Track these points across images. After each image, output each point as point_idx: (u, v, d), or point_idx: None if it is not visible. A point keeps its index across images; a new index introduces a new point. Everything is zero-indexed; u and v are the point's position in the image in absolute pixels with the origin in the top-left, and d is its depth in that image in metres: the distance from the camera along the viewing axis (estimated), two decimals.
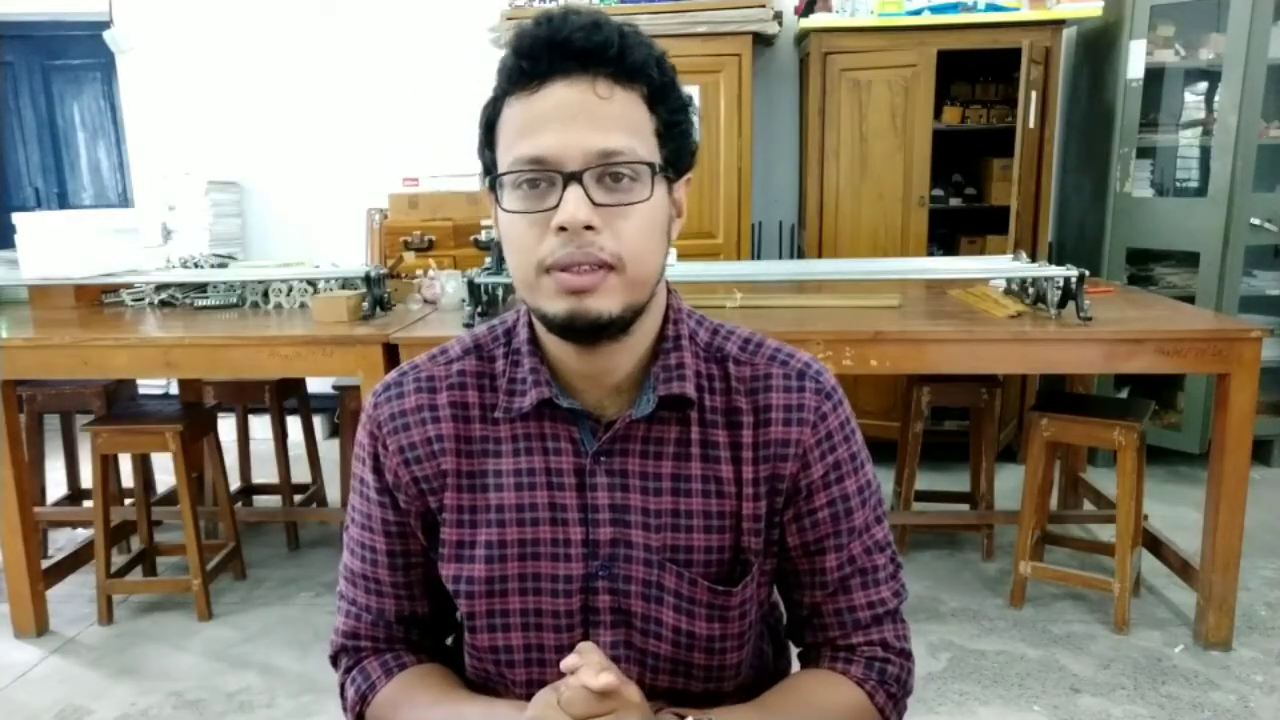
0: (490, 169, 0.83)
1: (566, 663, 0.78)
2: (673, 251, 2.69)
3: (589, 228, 0.76)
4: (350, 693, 0.95)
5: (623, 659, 0.89)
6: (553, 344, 0.86)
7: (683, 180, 0.86)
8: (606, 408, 0.88)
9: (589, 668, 0.76)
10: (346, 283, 2.71)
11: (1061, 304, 2.32)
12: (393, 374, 0.94)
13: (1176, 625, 2.48)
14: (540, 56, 0.77)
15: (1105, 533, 2.89)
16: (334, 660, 0.98)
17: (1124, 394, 3.70)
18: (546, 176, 0.77)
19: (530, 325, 0.90)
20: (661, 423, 0.88)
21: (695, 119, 0.86)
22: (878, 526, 0.93)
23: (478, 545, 0.89)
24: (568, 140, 0.76)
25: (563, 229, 0.76)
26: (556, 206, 0.77)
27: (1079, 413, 2.49)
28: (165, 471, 2.98)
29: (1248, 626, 2.44)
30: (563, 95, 0.77)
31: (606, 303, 0.79)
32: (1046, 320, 2.31)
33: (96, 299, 2.89)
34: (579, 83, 0.77)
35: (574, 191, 0.76)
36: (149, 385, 4.27)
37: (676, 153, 0.83)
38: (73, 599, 2.73)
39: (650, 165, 0.79)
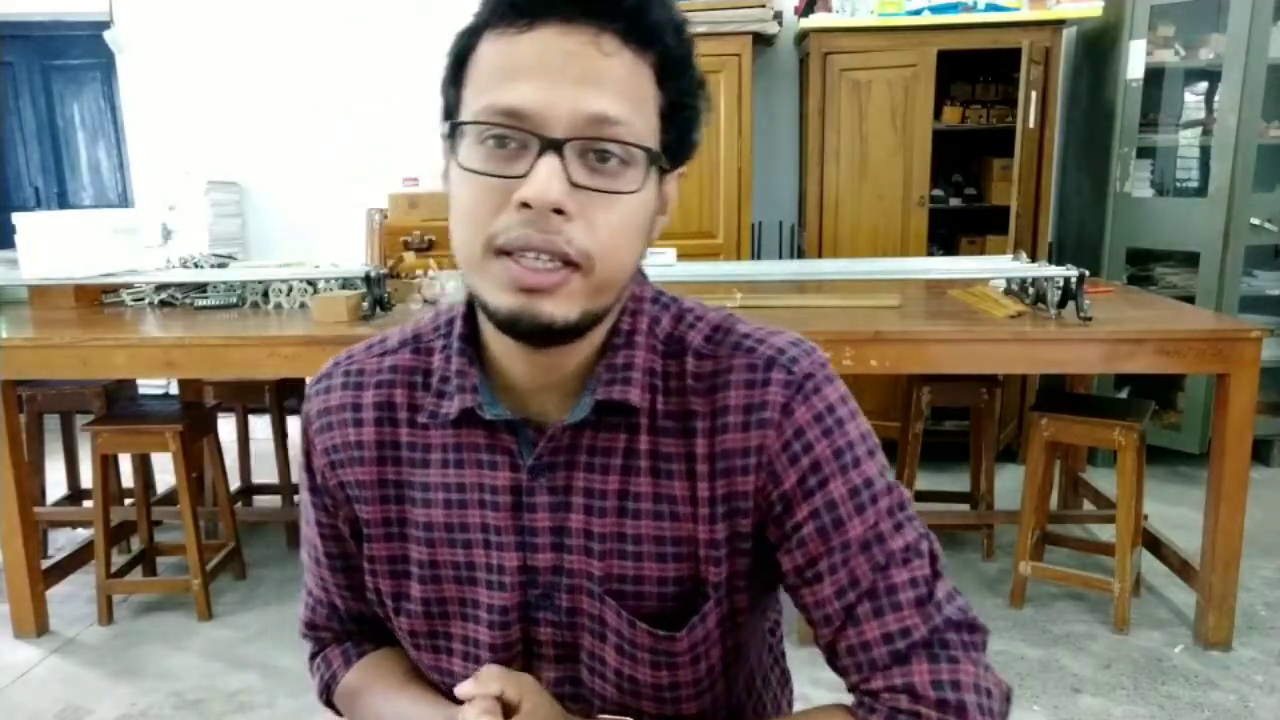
0: (452, 112, 0.68)
1: (461, 690, 0.71)
2: (672, 252, 2.72)
3: (559, 211, 0.62)
4: (316, 680, 0.92)
5: (568, 697, 0.79)
6: (494, 337, 0.73)
7: (676, 173, 0.72)
8: (550, 413, 0.75)
9: (478, 681, 0.72)
10: (346, 283, 2.71)
11: (1061, 304, 2.32)
12: (327, 363, 0.83)
13: (1176, 625, 2.48)
14: None
15: (1105, 533, 2.89)
16: (304, 638, 0.94)
17: (1124, 394, 3.70)
18: (520, 137, 0.63)
19: (468, 316, 0.76)
20: (609, 430, 0.74)
21: (703, 105, 0.71)
22: (896, 535, 0.72)
23: (410, 562, 0.79)
24: (555, 96, 0.62)
25: (526, 205, 0.62)
26: (525, 176, 0.63)
27: (1079, 413, 2.49)
28: (165, 471, 2.98)
29: (1248, 626, 2.44)
30: (555, 43, 0.62)
31: (562, 307, 0.65)
32: (1046, 320, 2.31)
33: (96, 299, 2.89)
34: (579, 32, 0.62)
35: (549, 163, 0.62)
36: (149, 385, 4.26)
37: (679, 140, 0.69)
38: (73, 599, 2.73)
39: (647, 151, 0.66)
